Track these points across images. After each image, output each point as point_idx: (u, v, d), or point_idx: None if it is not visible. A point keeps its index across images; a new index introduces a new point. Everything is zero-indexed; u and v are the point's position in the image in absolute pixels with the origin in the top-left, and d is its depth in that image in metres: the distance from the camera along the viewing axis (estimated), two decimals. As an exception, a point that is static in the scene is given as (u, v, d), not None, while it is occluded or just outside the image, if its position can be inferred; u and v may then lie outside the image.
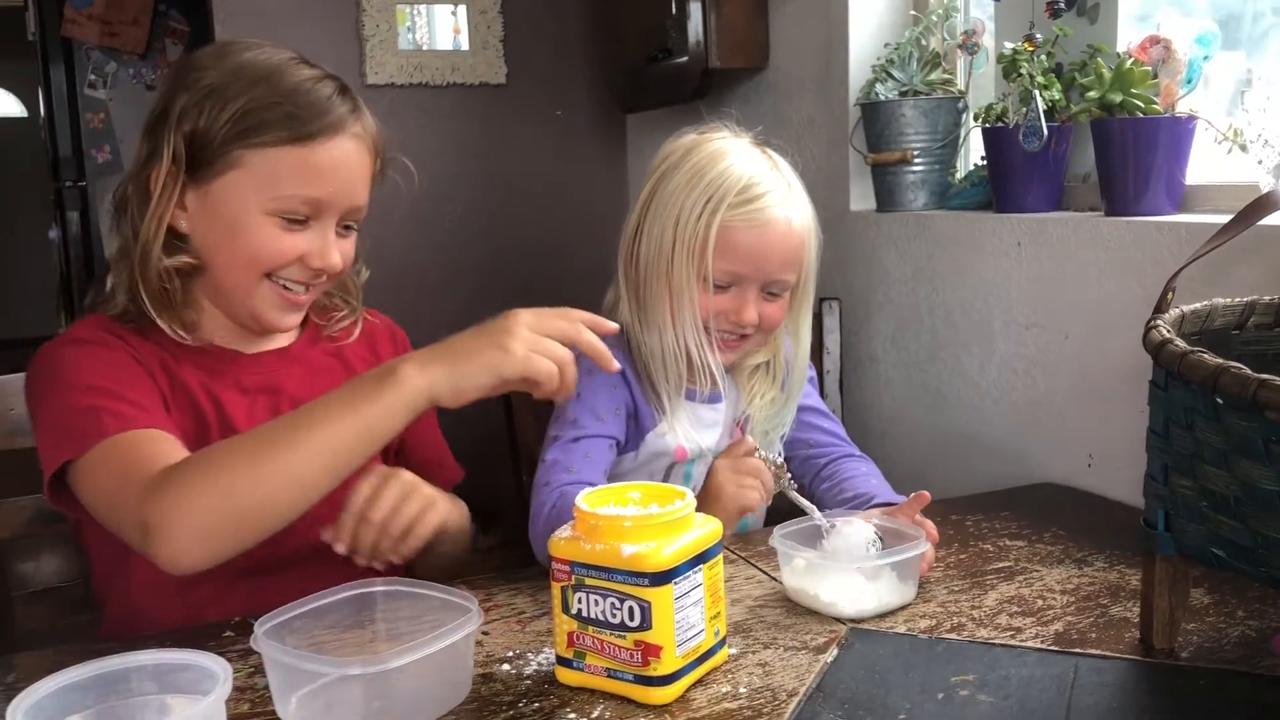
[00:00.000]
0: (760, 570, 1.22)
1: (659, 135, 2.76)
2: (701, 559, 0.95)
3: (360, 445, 1.00)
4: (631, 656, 0.92)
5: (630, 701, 0.93)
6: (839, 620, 1.08)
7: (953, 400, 1.78)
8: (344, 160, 1.16)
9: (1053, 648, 1.01)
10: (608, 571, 0.92)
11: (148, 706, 0.81)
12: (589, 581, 0.93)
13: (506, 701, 0.94)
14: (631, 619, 0.92)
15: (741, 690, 0.95)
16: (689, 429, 1.36)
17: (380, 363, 1.31)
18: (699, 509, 0.98)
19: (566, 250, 2.74)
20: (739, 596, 1.15)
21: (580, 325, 1.05)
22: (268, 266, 1.16)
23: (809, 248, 1.34)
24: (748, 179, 1.30)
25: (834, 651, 1.02)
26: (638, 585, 0.91)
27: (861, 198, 1.98)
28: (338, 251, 1.18)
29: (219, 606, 1.15)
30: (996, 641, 1.03)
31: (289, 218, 1.15)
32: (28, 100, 7.03)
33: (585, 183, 2.82)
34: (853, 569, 1.10)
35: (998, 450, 1.69)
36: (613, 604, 0.92)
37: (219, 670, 0.79)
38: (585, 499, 0.96)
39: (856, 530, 1.14)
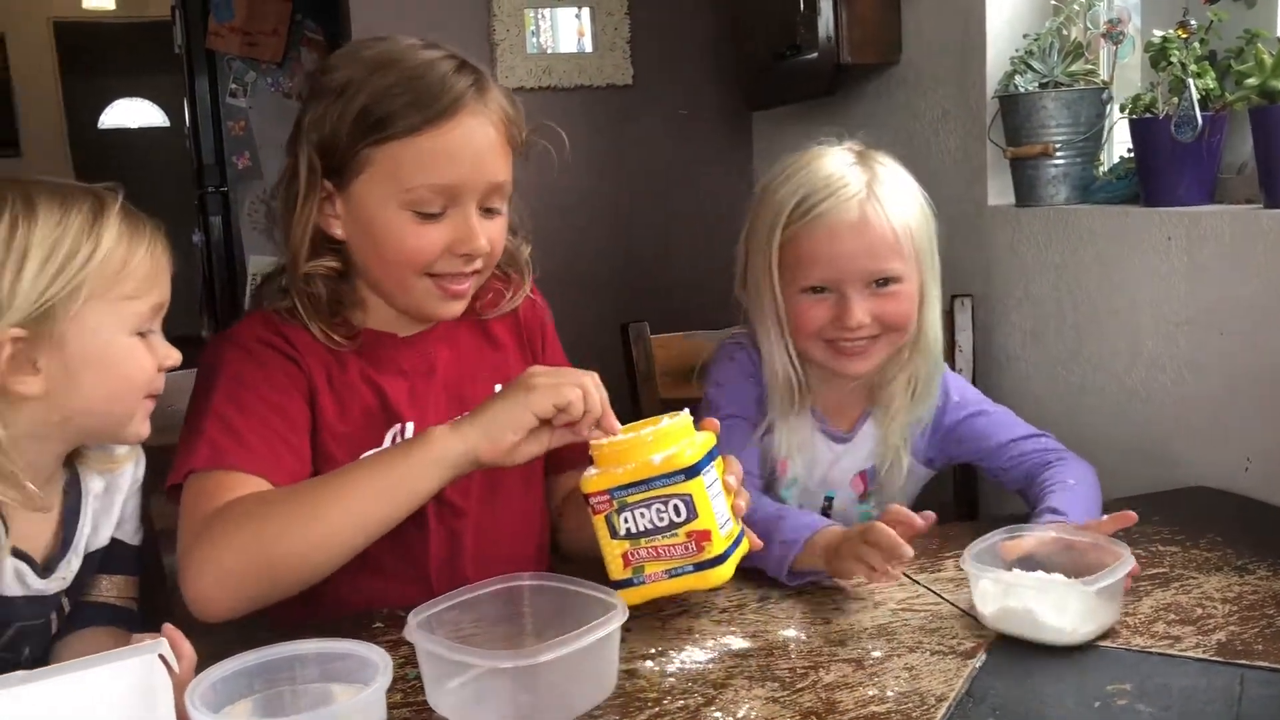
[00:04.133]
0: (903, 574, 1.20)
1: (787, 133, 2.74)
2: (711, 455, 1.05)
3: (394, 502, 1.04)
4: (686, 549, 1.02)
5: (777, 702, 0.93)
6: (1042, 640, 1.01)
7: (1096, 400, 1.72)
8: (469, 141, 1.13)
9: (1216, 658, 0.97)
10: (646, 483, 1.01)
11: (310, 694, 0.84)
12: (630, 499, 1.02)
13: (651, 698, 0.95)
14: (678, 515, 1.02)
15: (889, 694, 0.94)
16: (796, 450, 1.38)
17: (528, 343, 1.35)
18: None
19: (691, 250, 2.74)
20: (881, 599, 1.14)
21: (592, 379, 1.05)
22: (418, 265, 1.15)
23: (911, 237, 1.31)
24: (806, 190, 1.31)
25: (982, 656, 1.00)
26: (676, 483, 1.01)
27: (1000, 192, 1.92)
28: (483, 235, 1.16)
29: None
30: (1154, 650, 0.99)
31: (422, 210, 1.13)
32: (171, 110, 7.36)
33: (711, 182, 2.81)
34: (1078, 588, 1.00)
35: (1145, 452, 1.63)
36: (658, 509, 1.02)
37: (379, 660, 0.82)
38: (598, 439, 1.05)
39: None
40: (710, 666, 1.00)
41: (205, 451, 1.09)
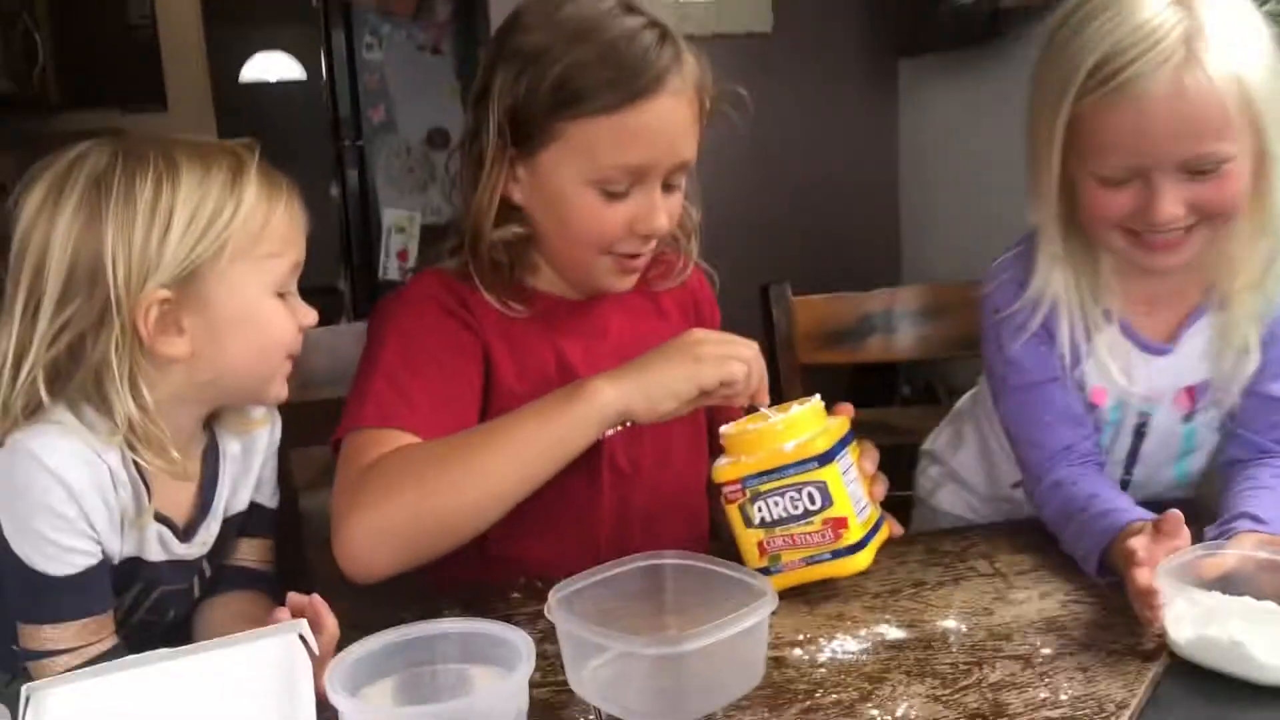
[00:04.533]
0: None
1: (937, 83, 2.60)
2: (844, 441, 1.03)
3: (551, 454, 1.01)
4: (823, 536, 1.01)
5: (938, 701, 0.86)
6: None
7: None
8: (663, 121, 1.08)
9: None
10: (779, 471, 1.00)
11: (450, 675, 0.81)
12: (763, 488, 1.01)
13: (802, 690, 0.89)
14: (813, 503, 1.00)
15: (1062, 698, 0.86)
16: (1111, 366, 1.17)
17: (696, 317, 1.31)
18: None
19: (835, 205, 2.64)
20: (1049, 589, 1.06)
21: (754, 351, 1.03)
22: (600, 245, 1.12)
23: (1241, 103, 1.02)
24: (1107, 48, 1.04)
25: (1165, 659, 0.91)
26: (809, 470, 0.99)
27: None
28: (664, 213, 1.12)
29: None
30: (1367, 661, 0.89)
31: (609, 189, 1.09)
32: (308, 64, 7.49)
33: (855, 134, 2.69)
34: None
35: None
36: (792, 497, 1.00)
37: (522, 645, 0.78)
38: (728, 429, 1.05)
39: None
40: (864, 658, 0.94)
41: (372, 409, 1.07)
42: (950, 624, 1.00)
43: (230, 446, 1.06)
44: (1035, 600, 1.04)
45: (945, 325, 1.71)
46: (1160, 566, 0.92)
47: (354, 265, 4.02)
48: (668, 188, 1.13)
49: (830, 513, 1.00)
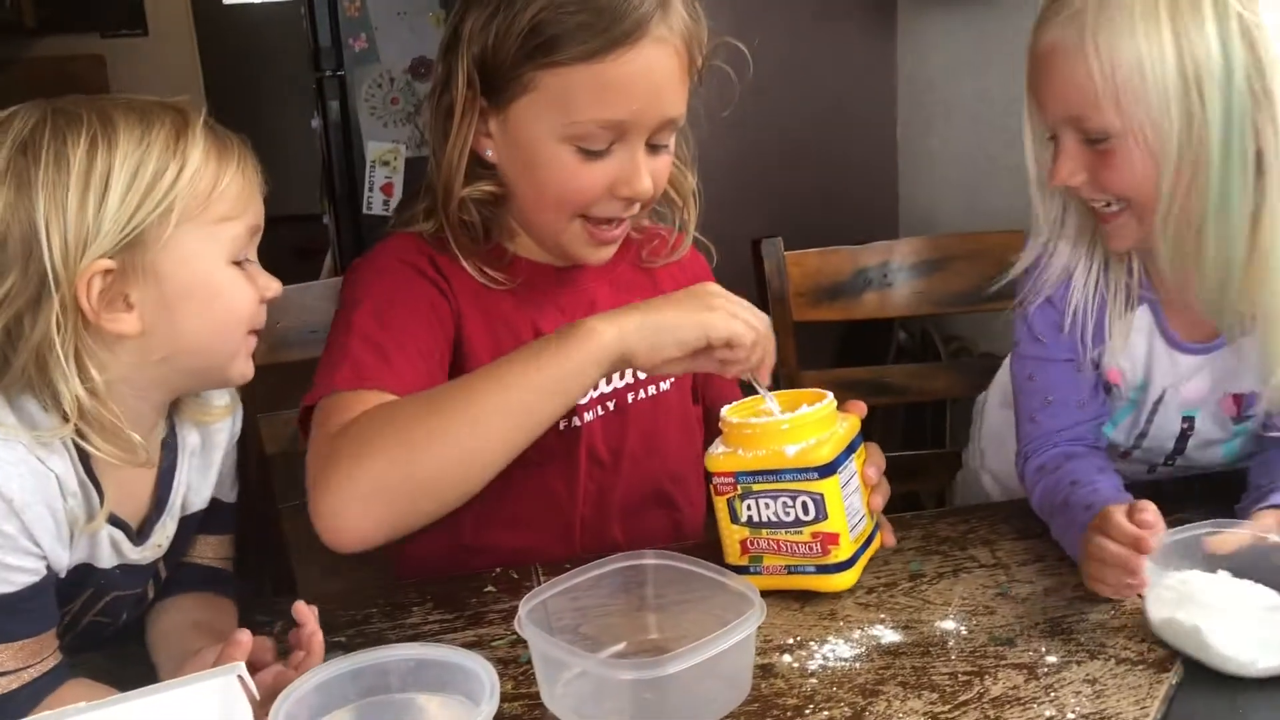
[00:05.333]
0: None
1: (940, 23, 2.48)
2: (851, 449, 0.98)
3: (545, 403, 0.91)
4: (810, 549, 0.96)
5: (936, 721, 0.81)
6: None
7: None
8: (645, 73, 0.99)
9: None
10: (775, 473, 0.95)
11: (410, 707, 0.75)
12: (756, 487, 0.96)
13: (791, 706, 0.84)
14: (806, 513, 0.95)
15: (1069, 716, 0.81)
16: (1129, 353, 1.10)
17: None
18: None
19: (829, 155, 2.52)
20: (1053, 585, 1.00)
21: (767, 325, 0.96)
22: (575, 206, 1.03)
23: (1146, 85, 0.94)
24: None
25: (1179, 670, 0.86)
26: (808, 480, 0.94)
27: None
28: (648, 175, 1.02)
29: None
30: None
31: (586, 147, 1.01)
32: (291, -15, 7.30)
33: (850, 78, 2.55)
34: (1259, 610, 0.85)
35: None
36: (784, 503, 0.95)
37: (484, 676, 0.72)
38: (731, 413, 0.99)
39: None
40: (857, 666, 0.89)
41: (347, 370, 0.98)
42: (950, 625, 0.94)
43: (189, 438, 0.98)
44: (1039, 598, 0.98)
45: (945, 279, 1.65)
46: (1162, 536, 0.88)
47: (337, 199, 3.92)
48: (654, 148, 1.04)
49: (822, 526, 0.95)
